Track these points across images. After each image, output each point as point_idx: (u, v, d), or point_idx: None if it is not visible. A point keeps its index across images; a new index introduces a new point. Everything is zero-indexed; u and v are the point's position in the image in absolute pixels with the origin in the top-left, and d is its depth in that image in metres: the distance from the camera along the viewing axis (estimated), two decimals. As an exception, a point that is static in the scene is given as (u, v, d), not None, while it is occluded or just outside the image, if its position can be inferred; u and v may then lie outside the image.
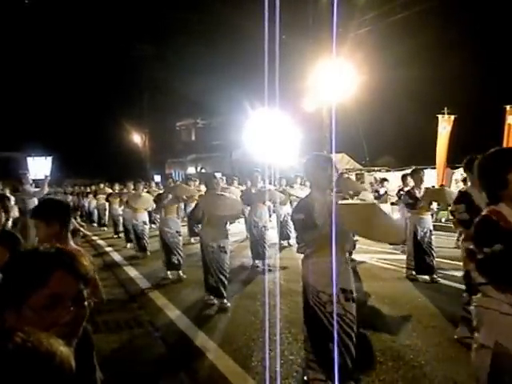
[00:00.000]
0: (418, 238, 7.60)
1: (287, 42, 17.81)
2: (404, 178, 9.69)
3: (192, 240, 12.04)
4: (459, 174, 16.85)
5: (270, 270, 8.58)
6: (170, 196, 8.29)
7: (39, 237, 2.84)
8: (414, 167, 17.83)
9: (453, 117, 17.94)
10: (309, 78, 21.24)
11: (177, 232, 8.33)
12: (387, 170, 20.54)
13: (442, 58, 22.58)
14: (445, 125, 18.03)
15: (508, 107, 15.68)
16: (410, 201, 7.66)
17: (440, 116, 18.07)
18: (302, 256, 3.77)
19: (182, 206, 8.64)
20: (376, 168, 21.55)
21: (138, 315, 6.09)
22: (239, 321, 5.63)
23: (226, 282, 6.33)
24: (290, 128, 21.28)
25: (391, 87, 22.65)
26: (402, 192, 9.27)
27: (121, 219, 13.10)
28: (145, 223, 10.59)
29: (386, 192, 11.23)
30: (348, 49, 20.28)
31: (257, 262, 9.01)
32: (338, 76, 19.55)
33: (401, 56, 21.98)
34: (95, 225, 16.67)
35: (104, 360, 3.09)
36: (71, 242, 2.84)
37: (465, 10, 21.92)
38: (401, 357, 4.47)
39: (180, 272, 8.15)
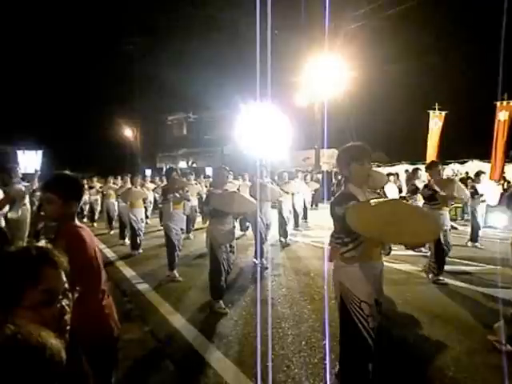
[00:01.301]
0: (441, 237, 6.94)
1: (280, 37, 17.78)
2: (414, 171, 9.31)
3: (191, 235, 11.94)
4: (450, 169, 16.98)
5: (265, 267, 8.36)
6: (177, 195, 7.80)
7: (50, 213, 2.65)
8: (404, 162, 18.02)
9: (444, 113, 18.04)
10: (301, 74, 21.25)
11: (181, 229, 7.93)
12: (378, 166, 20.62)
13: (434, 54, 22.65)
14: (436, 120, 18.14)
15: (498, 104, 15.80)
16: (429, 192, 7.13)
17: (431, 112, 18.17)
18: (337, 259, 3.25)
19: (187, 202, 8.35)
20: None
21: (129, 309, 6.08)
22: (230, 316, 5.63)
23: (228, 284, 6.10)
24: (281, 123, 21.29)
25: (383, 83, 22.70)
26: (413, 186, 8.75)
27: (115, 214, 12.89)
28: (142, 220, 10.35)
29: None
30: (340, 44, 20.30)
31: (263, 260, 8.50)
32: (330, 71, 19.56)
33: (393, 52, 22.04)
34: (85, 220, 16.25)
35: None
36: (75, 222, 2.70)
37: (457, 7, 21.99)
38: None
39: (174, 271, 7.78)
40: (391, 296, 6.32)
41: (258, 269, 8.03)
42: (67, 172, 2.77)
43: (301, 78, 21.54)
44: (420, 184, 8.57)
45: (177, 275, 7.63)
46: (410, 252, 9.13)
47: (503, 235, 10.76)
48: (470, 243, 10.28)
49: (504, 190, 13.68)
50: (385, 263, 3.35)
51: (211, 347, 4.70)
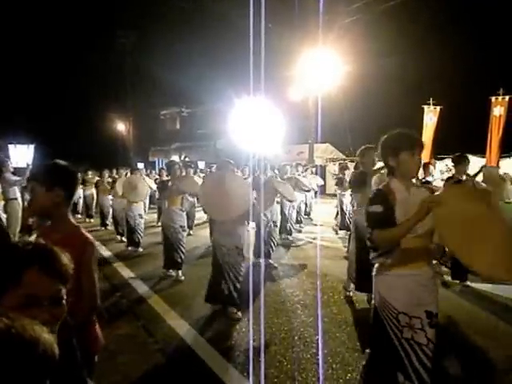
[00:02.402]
0: None
1: (273, 30, 17.70)
2: (426, 166, 8.79)
3: (191, 232, 11.43)
4: (444, 164, 17.01)
5: (274, 267, 7.91)
6: (174, 187, 7.29)
7: (34, 204, 2.44)
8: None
9: (438, 108, 18.07)
10: (295, 68, 21.19)
11: (181, 227, 7.40)
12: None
13: (429, 49, 22.66)
14: (431, 115, 18.17)
15: (493, 99, 15.84)
16: None
17: (426, 107, 18.19)
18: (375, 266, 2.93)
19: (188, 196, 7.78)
20: (360, 158, 21.61)
21: (121, 303, 6.05)
22: (222, 311, 5.58)
23: (239, 290, 5.51)
24: (275, 117, 21.23)
25: (377, 77, 22.69)
26: (423, 180, 8.15)
27: (111, 210, 12.27)
28: (140, 216, 9.75)
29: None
30: (334, 38, 20.25)
31: (261, 260, 7.83)
32: (324, 66, 19.53)
33: (387, 46, 22.01)
34: (79, 216, 15.54)
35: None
36: (71, 218, 2.44)
37: (452, 1, 21.98)
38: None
39: (179, 272, 7.30)
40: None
41: (251, 264, 7.89)
42: (57, 160, 2.45)
43: (295, 73, 21.48)
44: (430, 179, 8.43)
45: (173, 273, 7.31)
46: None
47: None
48: None
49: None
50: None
51: (202, 341, 4.68)
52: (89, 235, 2.37)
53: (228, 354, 4.34)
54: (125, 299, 6.29)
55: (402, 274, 2.74)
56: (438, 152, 17.63)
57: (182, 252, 7.38)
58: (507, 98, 15.77)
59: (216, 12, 25.36)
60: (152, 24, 32.56)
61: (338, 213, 11.75)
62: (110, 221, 12.78)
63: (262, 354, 4.17)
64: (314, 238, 10.81)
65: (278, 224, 9.64)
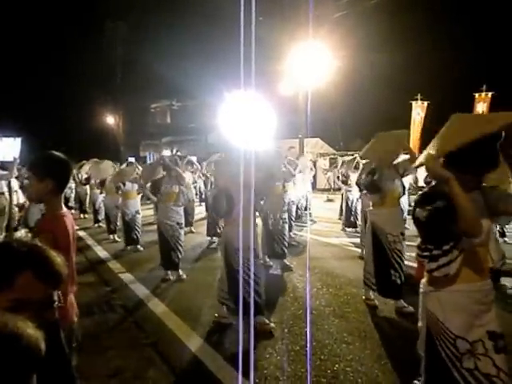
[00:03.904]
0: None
1: (264, 23, 17.64)
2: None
3: (192, 229, 11.01)
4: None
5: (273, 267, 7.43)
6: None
7: (31, 194, 2.60)
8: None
9: (426, 103, 18.21)
10: (285, 62, 21.17)
11: (178, 224, 7.00)
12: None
13: (418, 45, 22.76)
14: (418, 111, 18.31)
15: (477, 95, 15.99)
16: None
17: (413, 102, 18.33)
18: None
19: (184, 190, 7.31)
20: (349, 152, 21.74)
21: (114, 299, 6.06)
22: (212, 303, 5.57)
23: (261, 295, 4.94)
24: (266, 112, 21.20)
25: (366, 73, 22.76)
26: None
27: (103, 206, 11.59)
28: (137, 212, 9.34)
29: None
30: (325, 33, 20.23)
31: (272, 261, 7.56)
32: (314, 60, 19.53)
33: (376, 41, 22.08)
34: (73, 211, 14.23)
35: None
36: (60, 207, 2.47)
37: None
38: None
39: (180, 271, 6.97)
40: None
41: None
42: (51, 152, 2.54)
43: (285, 67, 21.47)
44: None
45: (171, 277, 6.90)
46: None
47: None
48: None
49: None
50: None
51: (193, 334, 4.72)
52: (52, 226, 2.35)
53: (218, 346, 4.39)
54: (116, 295, 6.27)
55: (460, 289, 2.36)
56: (426, 146, 17.78)
57: (180, 251, 7.00)
58: (490, 94, 15.93)
59: (207, 5, 25.25)
60: (142, 16, 32.35)
61: (341, 210, 11.61)
62: (102, 217, 12.08)
63: (252, 346, 4.20)
64: (305, 232, 10.81)
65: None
